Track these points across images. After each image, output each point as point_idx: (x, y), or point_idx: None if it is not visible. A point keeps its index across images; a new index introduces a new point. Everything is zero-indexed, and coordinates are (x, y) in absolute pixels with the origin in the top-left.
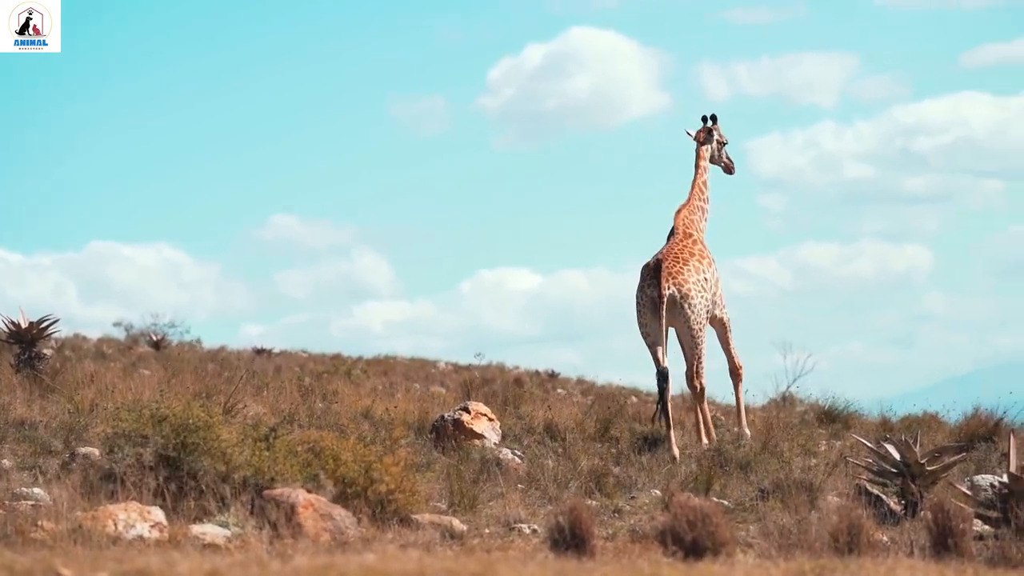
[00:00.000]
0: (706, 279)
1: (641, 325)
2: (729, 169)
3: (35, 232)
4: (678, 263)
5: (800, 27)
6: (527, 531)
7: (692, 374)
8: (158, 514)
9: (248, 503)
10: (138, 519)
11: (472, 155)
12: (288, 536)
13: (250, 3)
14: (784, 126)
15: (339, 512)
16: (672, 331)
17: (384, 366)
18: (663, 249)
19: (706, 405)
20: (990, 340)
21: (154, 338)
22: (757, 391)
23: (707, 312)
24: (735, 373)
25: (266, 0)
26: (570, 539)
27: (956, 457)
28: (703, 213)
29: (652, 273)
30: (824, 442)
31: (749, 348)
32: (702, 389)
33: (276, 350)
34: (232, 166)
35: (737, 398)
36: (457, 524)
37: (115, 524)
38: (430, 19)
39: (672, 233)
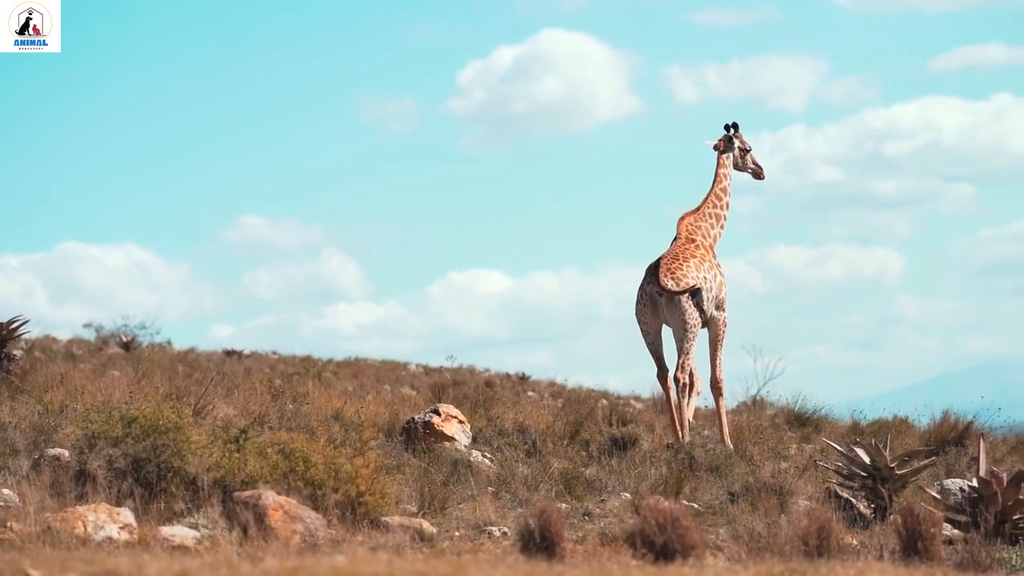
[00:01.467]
0: (705, 278)
1: (641, 323)
2: (757, 175)
3: (4, 232)
4: (677, 261)
5: (769, 30)
6: (497, 534)
7: (677, 367)
8: (127, 515)
9: (218, 505)
10: (107, 520)
11: (442, 157)
12: (258, 538)
13: (220, 7)
14: (754, 129)
15: (309, 514)
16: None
17: (354, 368)
18: (664, 252)
19: (684, 402)
20: (959, 343)
21: (124, 339)
22: (727, 394)
23: (702, 314)
24: (715, 387)
25: (236, 3)
26: (540, 542)
27: (926, 461)
28: (717, 220)
29: (652, 271)
30: (794, 445)
31: None
32: (684, 385)
33: (246, 351)
34: (200, 167)
35: (719, 412)
36: (427, 526)
37: (84, 525)
38: (400, 21)
39: (675, 239)
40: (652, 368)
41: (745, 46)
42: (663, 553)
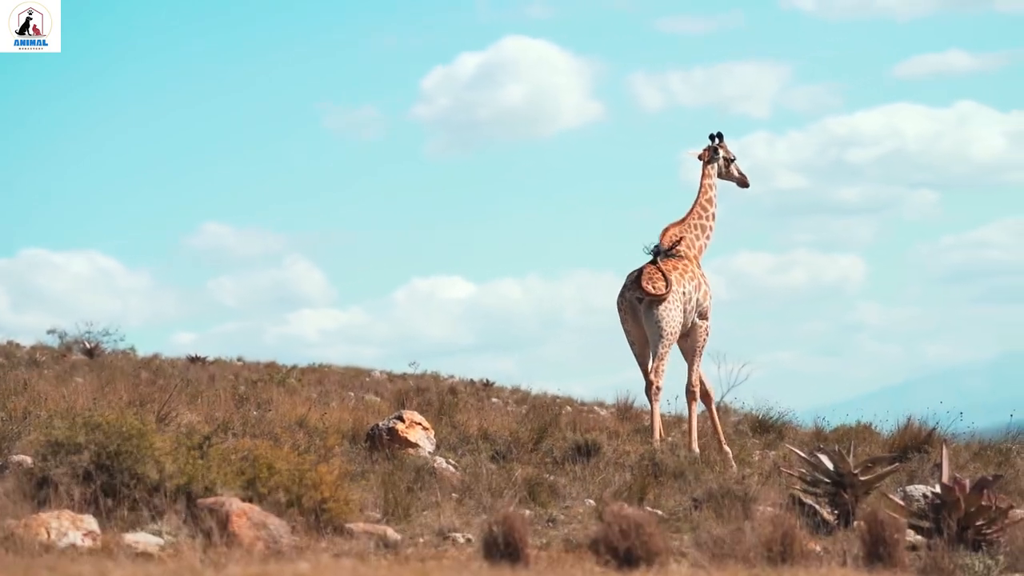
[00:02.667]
0: (684, 292)
1: (626, 332)
2: (743, 183)
3: None
4: (658, 271)
5: (733, 37)
6: (461, 540)
7: (654, 370)
8: (91, 522)
9: (182, 512)
10: (71, 527)
11: (406, 164)
12: (222, 545)
13: (189, 12)
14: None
15: (273, 521)
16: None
17: (318, 374)
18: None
19: (657, 406)
20: (921, 349)
21: (87, 346)
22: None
23: (681, 322)
24: (689, 392)
25: (202, 9)
26: (504, 548)
27: (889, 467)
28: (703, 231)
29: (633, 279)
30: (758, 452)
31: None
32: (658, 388)
33: (210, 358)
34: (164, 174)
35: (690, 418)
36: (391, 533)
37: (48, 532)
38: (363, 28)
39: None
40: (618, 374)
41: (709, 53)
42: (627, 559)
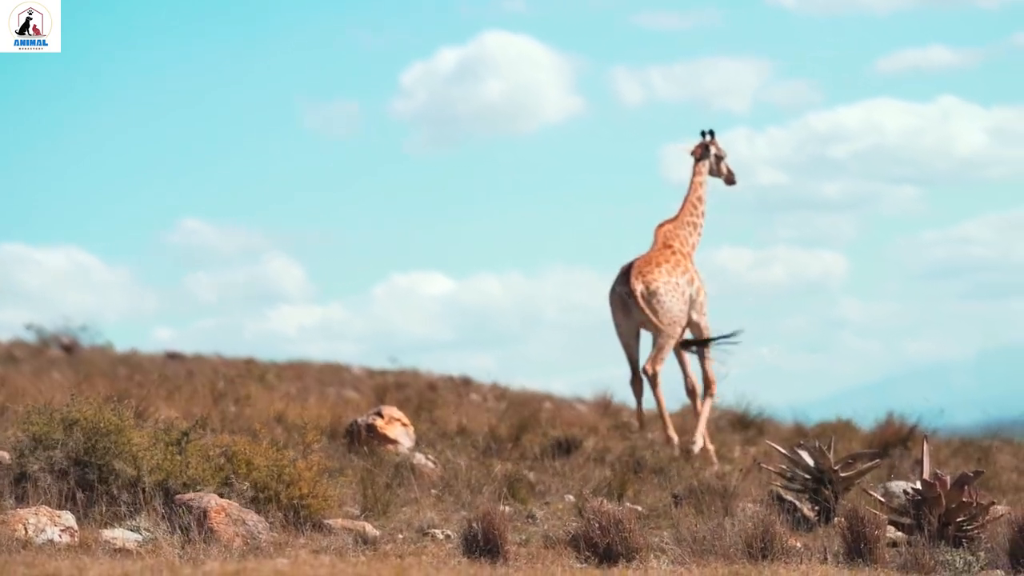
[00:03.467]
0: (677, 283)
1: (616, 325)
2: (730, 180)
3: None
4: (650, 264)
5: (713, 32)
6: (440, 536)
7: (651, 358)
8: (69, 518)
9: (160, 507)
10: (48, 523)
11: (385, 159)
12: (200, 541)
13: (188, 13)
14: (698, 131)
15: (252, 517)
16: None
17: (297, 370)
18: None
19: (660, 391)
20: (902, 346)
21: (65, 341)
22: (672, 397)
23: (680, 314)
24: (708, 388)
25: (202, 9)
26: (483, 544)
27: (870, 464)
28: (695, 228)
29: (624, 272)
30: (738, 448)
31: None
32: (654, 375)
33: (189, 354)
34: (142, 170)
35: (702, 410)
36: (370, 529)
37: (25, 528)
38: (341, 23)
39: (653, 246)
40: (598, 370)
41: (689, 48)
42: (607, 556)
